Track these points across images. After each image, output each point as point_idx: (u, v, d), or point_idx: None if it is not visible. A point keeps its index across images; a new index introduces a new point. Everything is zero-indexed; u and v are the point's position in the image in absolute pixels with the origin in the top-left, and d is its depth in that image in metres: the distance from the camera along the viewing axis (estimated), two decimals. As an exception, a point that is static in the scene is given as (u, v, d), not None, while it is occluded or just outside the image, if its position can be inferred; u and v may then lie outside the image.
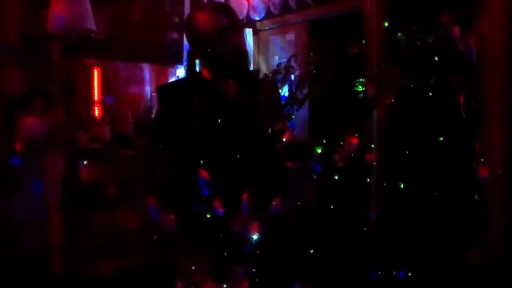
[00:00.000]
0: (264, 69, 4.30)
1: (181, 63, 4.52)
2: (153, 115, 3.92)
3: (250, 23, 4.36)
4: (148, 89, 4.41)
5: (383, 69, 2.87)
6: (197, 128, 1.80)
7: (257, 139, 1.86)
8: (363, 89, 3.40)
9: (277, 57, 4.17)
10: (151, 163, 1.90)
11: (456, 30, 2.85)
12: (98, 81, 4.05)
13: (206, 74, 1.88)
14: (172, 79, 4.50)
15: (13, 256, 3.32)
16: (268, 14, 4.21)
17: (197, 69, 1.92)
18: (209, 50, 1.81)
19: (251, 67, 3.82)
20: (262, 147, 1.86)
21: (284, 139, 1.95)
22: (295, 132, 3.82)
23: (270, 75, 4.00)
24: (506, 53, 2.50)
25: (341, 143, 1.79)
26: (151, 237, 1.97)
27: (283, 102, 3.90)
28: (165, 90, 1.95)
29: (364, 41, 3.23)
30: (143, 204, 1.90)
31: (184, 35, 1.96)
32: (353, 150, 1.81)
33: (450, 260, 2.73)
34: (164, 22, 4.33)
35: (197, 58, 1.90)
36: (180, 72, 4.56)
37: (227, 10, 1.87)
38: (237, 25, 1.88)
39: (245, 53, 1.87)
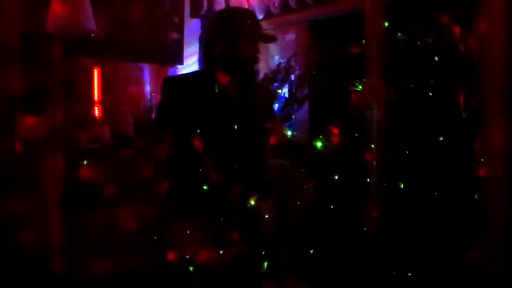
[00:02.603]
0: (264, 69, 4.30)
1: (181, 63, 4.51)
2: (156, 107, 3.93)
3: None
4: (148, 89, 4.40)
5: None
6: (197, 118, 1.91)
7: (250, 133, 1.98)
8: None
9: (277, 57, 4.17)
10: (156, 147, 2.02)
11: (456, 30, 2.86)
12: (98, 81, 4.05)
13: (216, 71, 1.98)
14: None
15: (13, 256, 3.32)
16: (268, 14, 4.20)
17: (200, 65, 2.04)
18: (233, 50, 1.94)
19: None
20: (254, 141, 2.00)
21: (274, 138, 2.08)
22: (295, 132, 3.82)
23: (270, 75, 4.00)
24: (506, 53, 2.50)
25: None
26: (151, 237, 1.99)
27: (283, 102, 3.91)
28: (172, 83, 2.07)
29: (364, 41, 3.23)
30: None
31: (209, 29, 2.05)
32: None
33: (451, 260, 2.73)
34: (164, 22, 4.34)
35: (214, 55, 1.98)
36: (180, 72, 4.57)
37: (253, 19, 2.03)
38: (261, 33, 2.06)
39: (256, 61, 2.02)
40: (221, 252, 1.90)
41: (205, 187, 1.90)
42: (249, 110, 2.00)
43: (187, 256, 1.91)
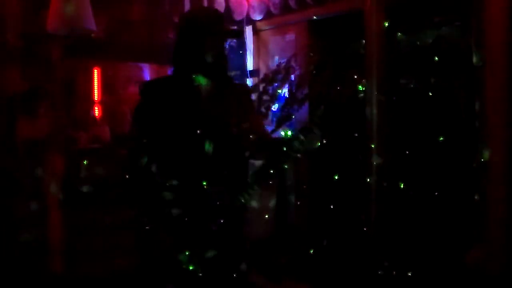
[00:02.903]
0: (264, 69, 4.30)
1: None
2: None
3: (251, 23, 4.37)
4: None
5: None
6: (172, 122, 1.92)
7: (224, 135, 1.97)
8: (363, 89, 3.40)
9: (277, 57, 4.17)
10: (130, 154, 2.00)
11: (456, 30, 2.86)
12: (98, 81, 4.05)
13: (188, 73, 1.99)
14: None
15: (13, 256, 3.32)
16: (268, 14, 4.20)
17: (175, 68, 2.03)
18: (196, 52, 1.94)
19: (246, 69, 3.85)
20: (229, 143, 1.98)
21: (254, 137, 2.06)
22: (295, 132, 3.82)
23: (270, 75, 4.01)
24: (506, 53, 2.50)
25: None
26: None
27: (283, 102, 3.91)
28: (147, 87, 2.06)
29: (364, 41, 3.23)
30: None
31: (176, 32, 2.06)
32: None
33: (451, 260, 2.73)
34: (164, 22, 4.34)
35: (183, 58, 1.99)
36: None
37: (219, 16, 2.02)
38: (226, 32, 2.05)
39: (225, 58, 2.01)
40: (197, 254, 1.90)
41: (182, 189, 1.90)
42: (224, 110, 2.00)
43: (164, 258, 1.92)
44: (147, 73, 4.40)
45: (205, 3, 4.17)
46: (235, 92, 2.10)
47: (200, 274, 1.91)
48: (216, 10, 2.17)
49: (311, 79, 3.77)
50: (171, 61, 2.03)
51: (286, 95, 3.88)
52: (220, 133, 1.97)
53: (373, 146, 3.13)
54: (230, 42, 4.36)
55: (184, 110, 1.94)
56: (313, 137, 1.95)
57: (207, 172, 1.92)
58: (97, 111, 4.06)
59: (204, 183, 1.91)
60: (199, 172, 1.92)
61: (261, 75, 4.20)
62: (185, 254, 1.90)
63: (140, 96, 2.03)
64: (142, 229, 1.98)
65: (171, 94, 1.96)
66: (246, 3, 4.30)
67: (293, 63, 3.90)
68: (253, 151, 2.09)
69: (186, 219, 1.91)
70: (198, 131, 1.93)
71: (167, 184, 1.90)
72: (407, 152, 2.98)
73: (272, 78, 3.95)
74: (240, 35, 2.13)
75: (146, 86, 2.07)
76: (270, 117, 3.93)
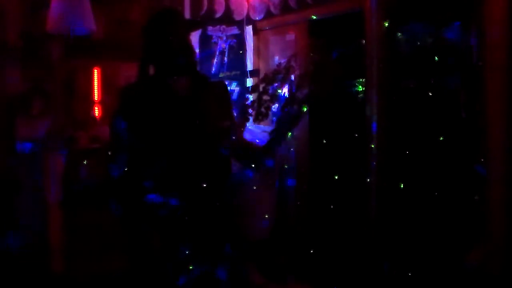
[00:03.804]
0: (264, 69, 4.30)
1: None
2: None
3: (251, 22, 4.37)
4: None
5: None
6: (151, 125, 1.91)
7: (203, 133, 1.96)
8: (363, 89, 3.40)
9: (277, 57, 4.17)
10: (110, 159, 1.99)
11: (456, 30, 2.86)
12: (98, 81, 4.05)
13: (158, 74, 2.00)
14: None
15: (13, 256, 3.32)
16: (268, 14, 4.20)
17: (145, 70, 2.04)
18: (161, 51, 1.98)
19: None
20: (209, 142, 1.96)
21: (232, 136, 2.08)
22: (295, 132, 3.82)
23: (270, 75, 4.00)
24: (506, 53, 2.50)
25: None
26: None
27: (283, 102, 3.91)
28: (122, 93, 2.06)
29: (364, 41, 3.22)
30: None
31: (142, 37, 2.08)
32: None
33: (451, 260, 2.73)
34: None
35: (151, 60, 2.04)
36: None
37: (177, 14, 2.07)
38: (184, 28, 2.05)
39: (190, 53, 2.02)
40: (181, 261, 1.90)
41: (166, 190, 1.90)
42: (202, 109, 1.98)
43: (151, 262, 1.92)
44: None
45: (205, 4, 4.17)
46: (212, 90, 2.08)
47: (193, 274, 1.91)
48: (171, 10, 2.18)
49: (311, 79, 3.77)
50: (139, 65, 2.04)
51: (286, 95, 3.88)
52: (201, 133, 1.95)
53: (373, 146, 3.13)
54: (230, 42, 4.36)
55: (160, 113, 1.93)
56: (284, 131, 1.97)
57: (190, 173, 1.91)
58: (97, 111, 4.05)
59: (188, 184, 1.90)
60: (182, 173, 1.91)
61: (261, 75, 4.19)
62: (177, 256, 1.89)
63: (118, 102, 2.03)
64: (131, 232, 1.98)
65: (145, 97, 1.95)
66: (246, 3, 4.30)
67: (293, 63, 3.89)
68: (234, 151, 2.08)
69: (172, 220, 1.90)
70: (178, 133, 1.92)
71: (150, 187, 1.90)
72: (407, 152, 2.98)
73: (272, 78, 3.95)
74: (199, 25, 2.11)
75: (122, 92, 2.06)
76: (270, 117, 3.93)
